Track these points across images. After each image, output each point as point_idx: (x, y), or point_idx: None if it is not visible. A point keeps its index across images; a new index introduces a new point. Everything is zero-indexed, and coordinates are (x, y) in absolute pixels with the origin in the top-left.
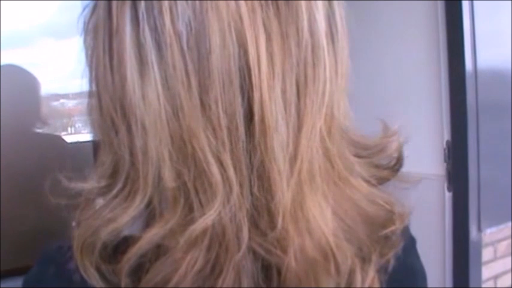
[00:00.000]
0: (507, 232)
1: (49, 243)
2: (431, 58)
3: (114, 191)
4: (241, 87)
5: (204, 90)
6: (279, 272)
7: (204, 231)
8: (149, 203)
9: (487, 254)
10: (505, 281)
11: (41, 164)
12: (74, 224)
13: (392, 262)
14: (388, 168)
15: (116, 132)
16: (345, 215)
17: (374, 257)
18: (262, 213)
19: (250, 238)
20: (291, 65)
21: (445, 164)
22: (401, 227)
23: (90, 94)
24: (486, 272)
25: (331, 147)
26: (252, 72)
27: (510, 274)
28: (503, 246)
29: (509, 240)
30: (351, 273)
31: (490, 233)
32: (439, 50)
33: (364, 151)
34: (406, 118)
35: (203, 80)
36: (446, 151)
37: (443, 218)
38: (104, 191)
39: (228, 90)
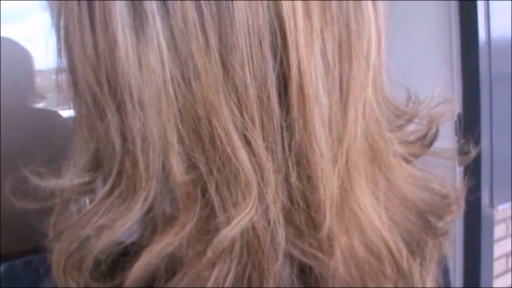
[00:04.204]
0: None
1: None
2: (443, 26)
3: (106, 189)
4: (272, 46)
5: (226, 49)
6: (322, 279)
7: (233, 239)
8: (152, 203)
9: (499, 230)
10: None
11: (35, 140)
12: (50, 234)
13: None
14: (418, 142)
15: (101, 114)
16: (393, 206)
17: (435, 254)
18: (300, 207)
19: (286, 239)
20: (331, 18)
21: (455, 138)
22: (459, 213)
23: (58, 67)
24: (498, 249)
25: (382, 119)
26: (287, 26)
27: None
28: None
29: None
30: (409, 274)
31: (502, 209)
32: (451, 18)
33: (399, 121)
34: (414, 89)
35: (225, 36)
36: (457, 124)
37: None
38: (86, 190)
39: (257, 49)
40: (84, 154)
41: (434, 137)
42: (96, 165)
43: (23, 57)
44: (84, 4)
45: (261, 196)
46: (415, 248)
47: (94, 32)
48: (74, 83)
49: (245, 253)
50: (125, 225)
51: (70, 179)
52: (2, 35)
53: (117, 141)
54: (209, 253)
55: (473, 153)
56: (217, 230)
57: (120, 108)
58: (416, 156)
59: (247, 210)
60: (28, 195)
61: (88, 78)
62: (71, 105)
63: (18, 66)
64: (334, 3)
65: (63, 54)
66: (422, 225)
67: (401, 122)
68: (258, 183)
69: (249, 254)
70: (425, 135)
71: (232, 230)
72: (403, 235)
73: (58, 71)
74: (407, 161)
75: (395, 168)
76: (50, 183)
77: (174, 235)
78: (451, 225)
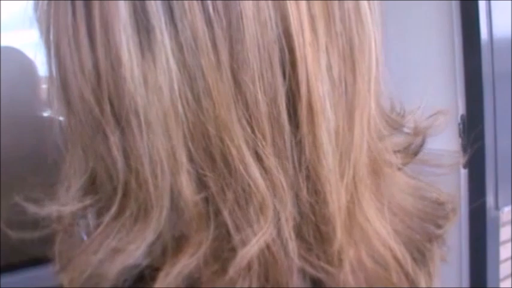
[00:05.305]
0: None
1: None
2: (444, 26)
3: (113, 211)
4: (281, 62)
5: (238, 66)
6: None
7: (251, 258)
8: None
9: (504, 233)
10: None
11: (40, 149)
12: (57, 264)
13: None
14: (406, 150)
15: (101, 134)
16: (395, 215)
17: (436, 260)
18: (309, 221)
19: (298, 254)
20: (336, 33)
21: (459, 139)
22: (455, 220)
23: (50, 81)
24: (504, 252)
25: (383, 131)
26: (295, 41)
27: None
28: None
29: None
30: (416, 283)
31: (507, 211)
32: (452, 17)
33: (390, 129)
34: (417, 90)
35: (236, 52)
36: (460, 126)
37: (458, 196)
38: (86, 213)
39: (267, 65)
40: (80, 175)
41: (421, 145)
42: (95, 186)
43: (27, 67)
44: (81, 19)
45: (275, 213)
46: (419, 256)
47: (94, 48)
48: (67, 101)
49: (263, 270)
50: (140, 248)
51: (70, 204)
52: (5, 42)
53: (120, 160)
54: (230, 271)
55: (477, 154)
56: (233, 249)
57: (123, 128)
58: (406, 164)
59: (264, 229)
60: (26, 224)
61: (86, 98)
62: (63, 123)
63: (21, 77)
64: (337, 18)
65: (54, 70)
66: (423, 233)
67: (391, 130)
68: (272, 201)
69: (266, 271)
70: (411, 144)
71: (251, 249)
72: (406, 244)
73: (48, 84)
74: (400, 169)
75: (393, 177)
76: (51, 210)
77: (189, 256)
78: (451, 231)
